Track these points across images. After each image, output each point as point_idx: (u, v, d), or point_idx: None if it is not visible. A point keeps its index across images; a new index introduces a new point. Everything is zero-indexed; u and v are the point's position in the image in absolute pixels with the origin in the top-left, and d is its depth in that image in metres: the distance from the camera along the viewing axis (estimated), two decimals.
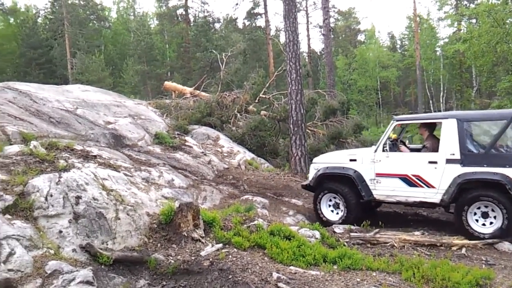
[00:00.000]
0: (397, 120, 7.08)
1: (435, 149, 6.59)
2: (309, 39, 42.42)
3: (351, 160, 7.11)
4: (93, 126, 9.56)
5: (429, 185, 6.42)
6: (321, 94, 18.35)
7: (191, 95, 16.79)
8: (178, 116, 13.41)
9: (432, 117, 7.84)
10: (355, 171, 6.97)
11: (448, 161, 6.27)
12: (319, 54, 46.36)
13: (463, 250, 5.75)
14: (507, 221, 5.87)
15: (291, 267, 4.79)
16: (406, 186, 6.60)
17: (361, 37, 53.25)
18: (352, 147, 15.89)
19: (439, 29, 40.92)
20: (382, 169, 6.78)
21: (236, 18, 45.50)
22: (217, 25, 42.22)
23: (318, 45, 61.17)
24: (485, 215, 6.11)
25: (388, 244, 5.92)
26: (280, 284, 4.30)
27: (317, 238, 5.85)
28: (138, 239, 5.15)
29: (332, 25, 44.60)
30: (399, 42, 54.56)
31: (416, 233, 6.34)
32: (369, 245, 5.96)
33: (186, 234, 5.18)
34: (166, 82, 19.53)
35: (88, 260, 4.52)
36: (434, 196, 6.39)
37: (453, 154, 6.24)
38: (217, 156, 10.87)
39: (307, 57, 41.56)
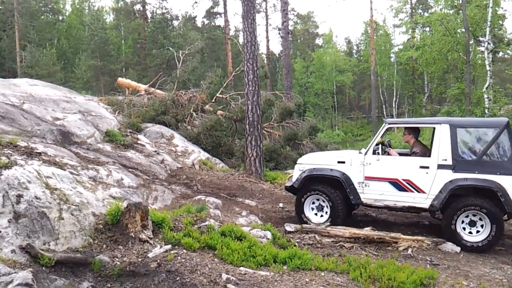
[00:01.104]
0: (389, 123, 6.98)
1: (424, 154, 6.58)
2: (268, 41, 42.76)
3: (339, 162, 6.91)
4: (40, 122, 9.13)
5: (419, 190, 6.35)
6: (278, 95, 18.48)
7: (146, 93, 16.43)
8: (131, 113, 13.06)
9: (424, 121, 7.72)
10: (344, 173, 6.76)
11: (440, 166, 6.23)
12: (277, 56, 46.74)
13: (409, 251, 5.92)
14: (494, 231, 5.92)
15: (241, 268, 4.75)
16: (395, 191, 6.49)
17: (319, 41, 54.19)
18: (307, 149, 16.12)
19: (394, 36, 42.30)
20: (372, 172, 6.64)
21: (195, 17, 45.18)
22: (175, 23, 41.69)
23: (277, 47, 61.69)
24: (472, 224, 6.12)
25: (337, 245, 5.99)
26: (229, 286, 4.25)
27: (268, 239, 5.84)
28: (82, 240, 4.95)
29: (291, 28, 45.10)
30: (355, 47, 56.05)
31: (366, 228, 6.47)
32: (319, 245, 6.00)
33: (133, 235, 5.03)
34: (119, 78, 19.01)
35: (28, 261, 4.29)
36: (423, 201, 6.34)
37: (445, 160, 6.20)
38: (170, 155, 10.67)
39: (265, 59, 41.81)
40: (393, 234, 6.19)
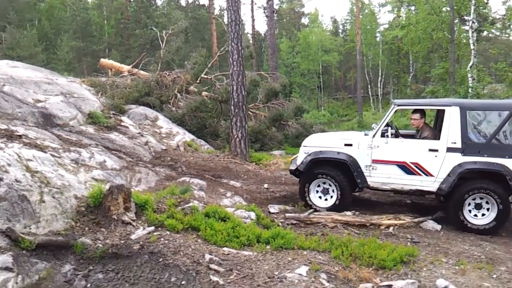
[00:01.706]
0: (398, 105, 6.74)
1: (434, 137, 6.47)
2: (253, 20, 42.49)
3: (346, 144, 6.70)
4: (20, 105, 8.96)
5: (427, 173, 6.27)
6: (264, 76, 18.41)
7: (129, 74, 16.21)
8: (114, 95, 12.91)
9: (434, 103, 7.46)
10: (351, 156, 6.59)
11: (449, 149, 6.14)
12: (263, 36, 46.35)
13: (391, 229, 6.00)
14: (500, 213, 5.94)
15: (225, 248, 4.77)
16: (403, 174, 6.39)
17: (305, 21, 53.82)
18: (293, 129, 16.17)
19: (379, 15, 42.31)
20: (380, 155, 6.49)
21: None
22: (158, 2, 40.99)
23: (262, 27, 61.15)
24: (478, 207, 6.12)
25: (320, 224, 6.05)
26: (212, 266, 4.27)
27: (252, 219, 5.87)
28: (64, 223, 4.90)
29: (276, 7, 44.64)
30: (341, 26, 55.77)
31: (348, 213, 6.52)
32: (302, 225, 6.06)
33: (116, 218, 5.00)
34: (102, 59, 18.70)
35: (9, 245, 4.23)
36: (431, 184, 6.29)
37: (454, 143, 6.12)
38: (154, 137, 10.60)
39: (251, 38, 41.39)
40: (374, 220, 6.21)
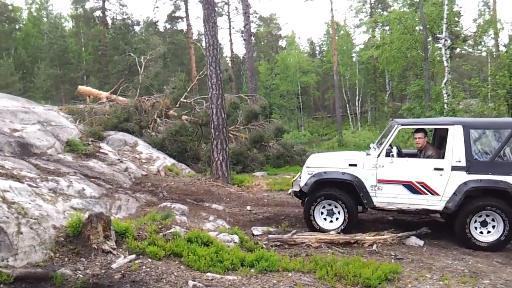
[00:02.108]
0: (402, 125, 6.77)
1: (438, 156, 6.50)
2: (231, 44, 42.71)
3: (350, 165, 6.63)
4: None
5: (433, 192, 6.27)
6: (244, 98, 18.51)
7: (108, 100, 16.11)
8: (93, 121, 12.77)
9: (436, 122, 7.47)
10: (356, 177, 6.52)
11: (454, 168, 6.18)
12: (241, 59, 46.79)
13: (374, 247, 6.01)
14: (508, 230, 5.98)
15: (208, 274, 4.70)
16: (409, 193, 6.36)
17: (282, 43, 54.59)
18: (274, 150, 16.21)
19: (355, 36, 43.21)
20: (385, 175, 6.45)
21: (157, 21, 44.63)
22: (136, 28, 41.16)
23: (240, 50, 61.72)
24: (484, 224, 6.16)
25: (304, 244, 6.02)
26: None
27: (236, 242, 5.81)
28: (43, 254, 4.77)
29: (253, 30, 45.26)
30: (318, 48, 56.75)
31: (331, 232, 6.51)
32: (286, 246, 6.01)
33: (96, 247, 4.89)
34: (80, 86, 18.57)
35: None
36: (437, 203, 6.28)
37: (459, 161, 6.16)
38: (134, 163, 10.48)
39: (229, 62, 41.79)
40: (358, 237, 6.22)
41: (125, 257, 4.83)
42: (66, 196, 6.50)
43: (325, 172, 6.69)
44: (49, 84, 34.23)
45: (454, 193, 6.14)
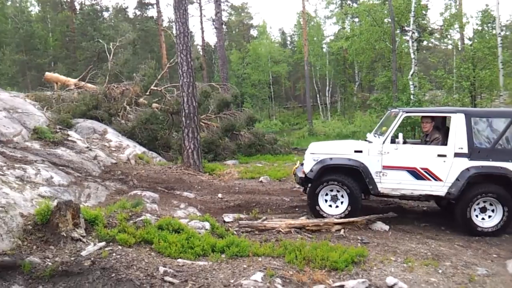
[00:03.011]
0: (406, 112, 6.95)
1: (443, 139, 6.68)
2: (203, 32, 42.21)
3: (356, 151, 6.72)
4: None
5: (436, 178, 6.44)
6: (215, 87, 18.43)
7: (76, 87, 15.76)
8: (61, 109, 12.51)
9: (440, 111, 7.64)
10: (362, 163, 6.62)
11: (457, 154, 6.36)
12: (213, 47, 46.43)
13: (342, 231, 6.19)
14: (507, 215, 6.22)
15: (179, 260, 4.73)
16: (413, 179, 6.52)
17: (253, 32, 54.40)
18: (246, 139, 16.27)
19: (325, 27, 43.49)
20: (390, 161, 6.57)
21: (127, 7, 43.89)
22: (105, 14, 40.13)
23: (212, 39, 61.30)
24: (483, 210, 6.38)
25: (274, 230, 6.13)
26: (166, 278, 4.23)
27: (207, 229, 5.86)
28: (10, 243, 4.69)
29: (225, 19, 45.01)
30: (289, 38, 56.86)
31: (301, 217, 6.65)
32: (257, 232, 6.11)
33: (65, 234, 4.84)
34: (47, 73, 18.06)
35: None
36: (440, 189, 6.45)
37: (461, 148, 6.35)
38: (104, 151, 10.35)
39: (201, 50, 41.41)
40: (326, 220, 6.40)
41: (95, 244, 4.81)
42: (34, 184, 6.39)
43: (331, 159, 6.75)
44: (14, 70, 33.03)
45: (457, 179, 6.34)
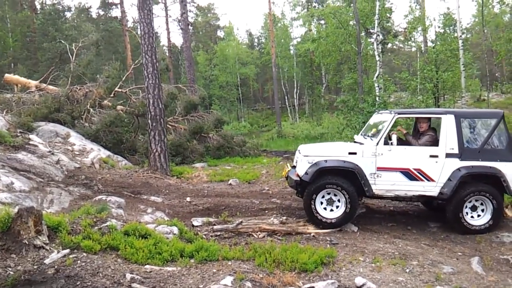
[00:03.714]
0: (398, 114, 6.97)
1: (435, 139, 6.74)
2: (168, 33, 41.72)
3: (350, 153, 6.66)
4: None
5: (429, 179, 6.49)
6: (182, 89, 18.26)
7: (37, 89, 15.26)
8: (21, 112, 12.08)
9: (430, 112, 7.84)
10: (356, 165, 6.57)
11: (448, 155, 6.46)
12: (179, 48, 45.99)
13: (312, 233, 6.21)
14: (496, 212, 6.40)
15: (147, 266, 4.63)
16: (406, 180, 6.53)
17: (221, 34, 54.23)
18: (214, 141, 16.18)
19: (292, 29, 43.72)
20: (384, 163, 6.56)
21: (90, 7, 42.97)
22: (67, 14, 39.02)
23: (178, 40, 60.72)
24: (473, 208, 6.52)
25: (245, 233, 6.09)
26: (134, 285, 4.12)
27: (175, 234, 5.76)
28: None
29: (191, 19, 44.67)
30: (256, 40, 56.98)
31: (275, 221, 6.61)
32: (226, 235, 6.05)
33: (27, 242, 4.64)
34: (6, 75, 17.40)
35: None
36: (433, 189, 6.51)
37: (452, 149, 6.45)
38: (67, 155, 10.04)
39: (167, 51, 40.88)
40: (300, 229, 6.37)
41: (58, 252, 4.63)
42: None
43: (326, 161, 6.63)
44: None
45: (449, 179, 6.44)
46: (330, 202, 6.65)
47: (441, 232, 6.68)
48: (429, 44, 26.38)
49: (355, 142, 7.55)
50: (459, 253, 5.75)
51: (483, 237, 6.34)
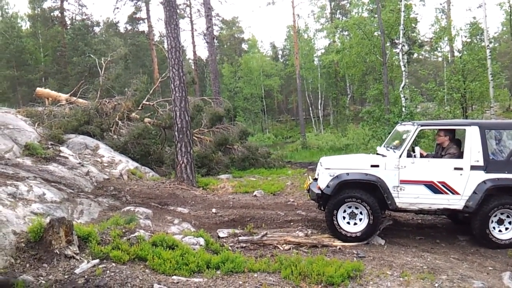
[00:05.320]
0: (421, 125, 6.81)
1: (460, 155, 6.59)
2: (194, 46, 42.37)
3: (372, 165, 6.56)
4: None
5: (454, 192, 6.35)
6: (207, 101, 18.45)
7: (67, 102, 15.68)
8: (52, 124, 12.42)
9: (454, 123, 7.49)
10: (379, 178, 6.46)
11: (473, 167, 6.32)
12: (205, 61, 46.58)
13: (338, 246, 6.15)
14: None
15: (174, 277, 4.68)
16: (431, 193, 6.40)
17: (245, 46, 54.71)
18: (239, 153, 16.25)
19: (316, 40, 43.77)
20: (407, 175, 6.43)
21: (118, 22, 43.77)
22: (96, 29, 40.16)
23: (203, 53, 61.36)
24: (500, 222, 6.39)
25: (270, 245, 6.09)
26: None
27: (201, 245, 5.81)
28: (3, 261, 4.62)
29: (216, 33, 45.20)
30: (280, 52, 57.23)
31: (300, 234, 6.59)
32: (252, 247, 6.06)
33: (58, 252, 4.78)
34: (38, 89, 17.97)
35: None
36: (458, 202, 6.37)
37: (477, 161, 6.31)
38: (96, 167, 10.27)
39: (193, 64, 41.46)
40: (326, 241, 6.32)
41: (88, 262, 4.74)
42: (26, 201, 6.31)
43: (347, 174, 6.53)
44: (5, 86, 32.96)
45: (474, 192, 6.29)
46: (352, 215, 6.56)
47: (471, 246, 6.52)
48: (456, 53, 25.97)
49: (377, 154, 7.43)
50: (490, 268, 5.60)
51: None
